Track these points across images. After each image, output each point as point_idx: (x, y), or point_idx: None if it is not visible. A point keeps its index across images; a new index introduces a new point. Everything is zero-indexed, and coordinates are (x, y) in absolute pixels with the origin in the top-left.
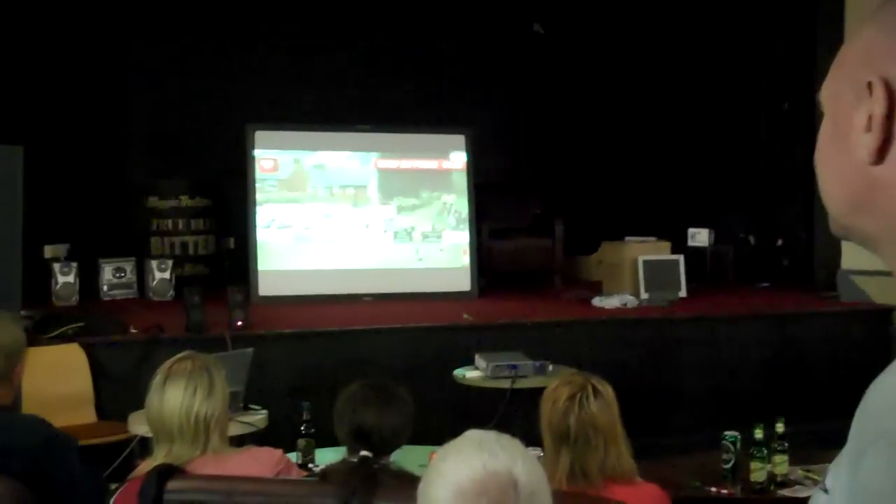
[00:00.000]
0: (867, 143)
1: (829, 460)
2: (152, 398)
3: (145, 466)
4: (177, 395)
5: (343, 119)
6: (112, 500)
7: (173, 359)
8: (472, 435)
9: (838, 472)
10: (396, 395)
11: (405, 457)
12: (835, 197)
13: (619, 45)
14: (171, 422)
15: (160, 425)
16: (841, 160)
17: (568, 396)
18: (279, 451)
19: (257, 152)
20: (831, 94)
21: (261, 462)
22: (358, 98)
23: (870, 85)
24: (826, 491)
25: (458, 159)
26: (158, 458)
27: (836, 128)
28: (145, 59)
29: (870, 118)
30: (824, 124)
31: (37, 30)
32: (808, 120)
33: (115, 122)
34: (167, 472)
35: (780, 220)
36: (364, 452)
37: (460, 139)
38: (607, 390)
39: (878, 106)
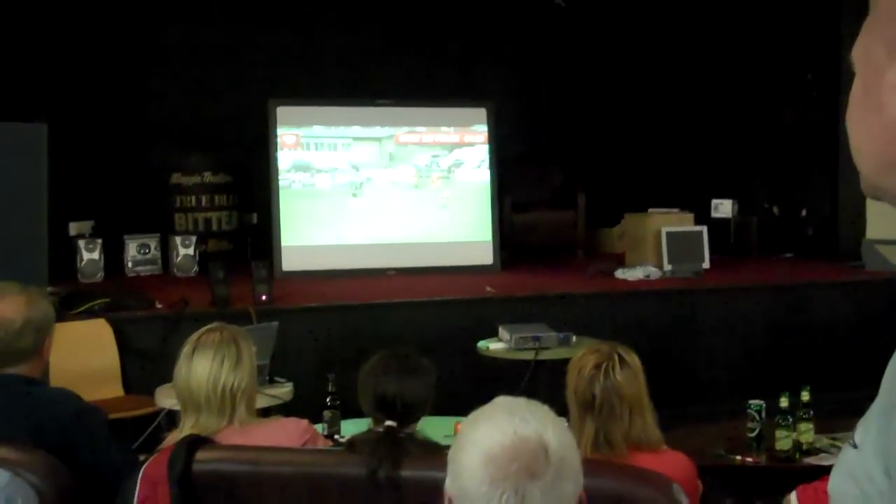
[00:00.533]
0: None
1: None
2: (180, 368)
3: (173, 437)
4: (204, 366)
5: (365, 94)
6: (141, 471)
7: (202, 330)
8: (502, 401)
9: (868, 427)
10: (417, 364)
11: (429, 427)
12: (866, 156)
13: (640, 15)
14: (199, 392)
15: (188, 396)
16: (872, 119)
17: (594, 365)
18: (305, 422)
19: (280, 128)
20: (863, 52)
21: (288, 432)
22: (379, 72)
23: None
24: (855, 446)
25: (479, 132)
26: (186, 428)
27: (868, 86)
28: (169, 36)
29: None
30: (856, 83)
31: (61, 9)
32: (832, 90)
33: (139, 99)
34: (196, 442)
35: (803, 191)
36: (389, 422)
37: (482, 112)
38: (634, 360)
39: None
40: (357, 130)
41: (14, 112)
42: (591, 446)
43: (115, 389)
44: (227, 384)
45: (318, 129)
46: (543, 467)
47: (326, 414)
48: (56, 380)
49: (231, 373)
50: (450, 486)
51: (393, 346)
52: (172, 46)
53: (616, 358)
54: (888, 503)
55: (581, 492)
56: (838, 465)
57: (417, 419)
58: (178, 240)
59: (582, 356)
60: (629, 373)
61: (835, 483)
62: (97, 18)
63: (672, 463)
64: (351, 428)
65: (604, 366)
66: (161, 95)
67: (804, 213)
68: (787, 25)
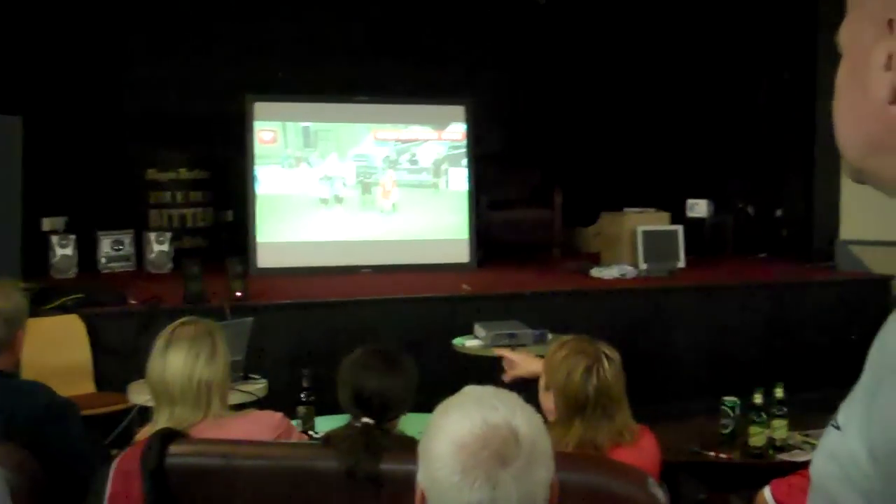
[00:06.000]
0: (887, 81)
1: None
2: (154, 362)
3: (147, 431)
4: (179, 359)
5: (342, 90)
6: (114, 464)
7: (175, 323)
8: (470, 391)
9: (851, 407)
10: (398, 362)
11: (404, 424)
12: (851, 139)
13: (618, 15)
14: (174, 385)
15: (162, 389)
16: (858, 101)
17: (585, 368)
18: (279, 415)
19: (256, 123)
20: (850, 33)
21: (261, 425)
22: (357, 69)
23: (891, 23)
24: (838, 428)
25: (457, 130)
26: (160, 422)
27: (855, 68)
28: (144, 31)
29: (890, 56)
30: (842, 65)
31: (36, 3)
32: (808, 89)
33: (114, 94)
34: (169, 435)
35: (779, 191)
36: (366, 419)
37: (459, 110)
38: (615, 354)
39: None
40: (334, 127)
41: None
42: (576, 447)
43: (87, 385)
44: (202, 377)
45: (294, 125)
46: (515, 453)
47: (301, 410)
48: (28, 375)
49: (206, 366)
50: (421, 477)
51: (374, 343)
52: (148, 41)
53: (603, 358)
54: (871, 484)
55: (553, 477)
56: (820, 447)
57: (396, 417)
58: (152, 236)
59: (565, 356)
60: (615, 369)
61: (817, 465)
62: (72, 12)
63: (647, 452)
64: (325, 424)
65: (594, 368)
66: (136, 90)
67: (779, 213)
68: (764, 25)
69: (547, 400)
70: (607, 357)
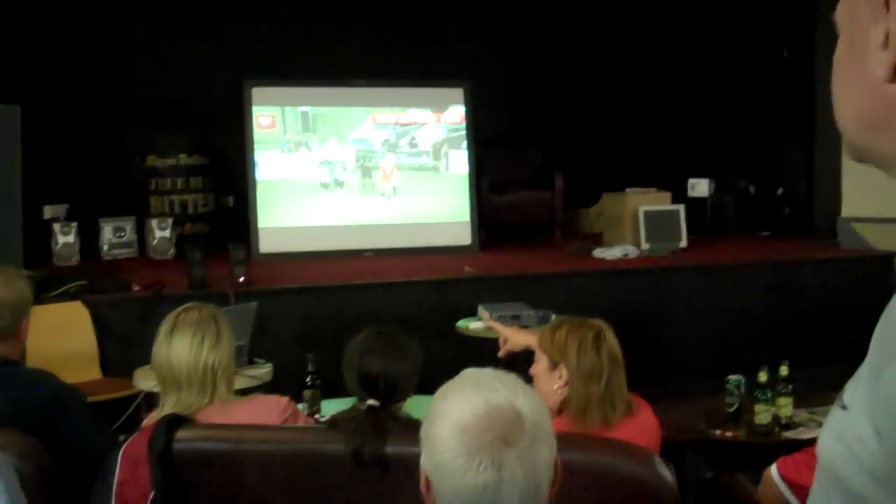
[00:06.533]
0: (884, 59)
1: (834, 402)
2: (160, 347)
3: (154, 417)
4: (185, 344)
5: (341, 74)
6: (122, 450)
7: (179, 309)
8: (470, 373)
9: (857, 387)
10: (403, 344)
11: (412, 407)
12: (850, 118)
13: None
14: (180, 371)
15: (168, 374)
16: (856, 80)
17: (593, 338)
18: (286, 399)
19: (255, 109)
20: (847, 12)
21: (268, 409)
22: (356, 52)
23: (888, 2)
24: (844, 407)
25: (456, 112)
26: (166, 408)
27: (852, 47)
28: (143, 18)
29: (887, 35)
30: (839, 44)
31: None
32: (807, 68)
33: (114, 81)
34: (176, 421)
35: (780, 169)
36: (371, 401)
37: (459, 93)
38: (609, 327)
39: (895, 22)
40: (333, 111)
41: None
42: (599, 414)
43: (93, 372)
44: (208, 362)
45: (293, 110)
46: (518, 434)
47: (307, 393)
48: (33, 363)
49: (212, 351)
50: (425, 461)
51: (380, 325)
52: (147, 28)
53: (603, 327)
54: (877, 463)
55: (556, 456)
56: (826, 426)
57: (401, 399)
58: (154, 222)
59: (568, 332)
60: (614, 336)
61: (823, 444)
62: (71, 0)
63: (646, 425)
64: (331, 407)
65: (601, 336)
66: (136, 77)
67: (780, 191)
68: (763, 3)
69: (549, 383)
70: (604, 326)
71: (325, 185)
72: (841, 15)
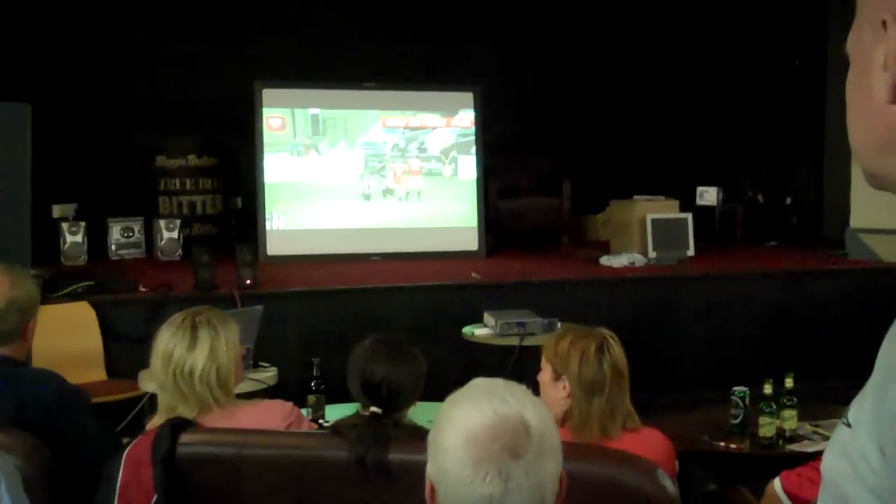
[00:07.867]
0: (886, 80)
1: (839, 416)
2: (160, 350)
3: (157, 421)
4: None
5: (351, 76)
6: (125, 453)
7: (183, 312)
8: (480, 382)
9: (862, 405)
10: (407, 351)
11: (413, 413)
12: (862, 145)
13: (627, 2)
14: (179, 374)
15: (167, 378)
16: (864, 104)
17: (597, 348)
18: (289, 404)
19: (265, 110)
20: (853, 40)
21: (272, 414)
22: (367, 55)
23: (884, 23)
24: (849, 425)
25: (466, 117)
26: (161, 411)
27: (859, 72)
28: (153, 18)
29: (886, 56)
30: (849, 73)
31: None
32: (818, 77)
33: (123, 81)
34: (180, 424)
35: (789, 179)
36: (374, 408)
37: (469, 97)
38: (616, 337)
39: (893, 42)
40: (343, 114)
41: None
42: (598, 427)
43: (98, 373)
44: (208, 367)
45: (303, 112)
46: (525, 446)
47: (311, 399)
48: (38, 363)
49: (213, 355)
50: (431, 470)
51: (384, 332)
52: (156, 28)
53: (607, 337)
54: (882, 481)
55: (561, 470)
56: (831, 443)
57: (404, 407)
58: (162, 223)
59: (572, 342)
60: (619, 346)
61: (828, 462)
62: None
63: (652, 441)
64: (336, 413)
65: (605, 346)
66: (146, 77)
67: (789, 201)
68: (774, 12)
69: (553, 393)
70: (609, 336)
71: (333, 189)
72: (849, 44)
